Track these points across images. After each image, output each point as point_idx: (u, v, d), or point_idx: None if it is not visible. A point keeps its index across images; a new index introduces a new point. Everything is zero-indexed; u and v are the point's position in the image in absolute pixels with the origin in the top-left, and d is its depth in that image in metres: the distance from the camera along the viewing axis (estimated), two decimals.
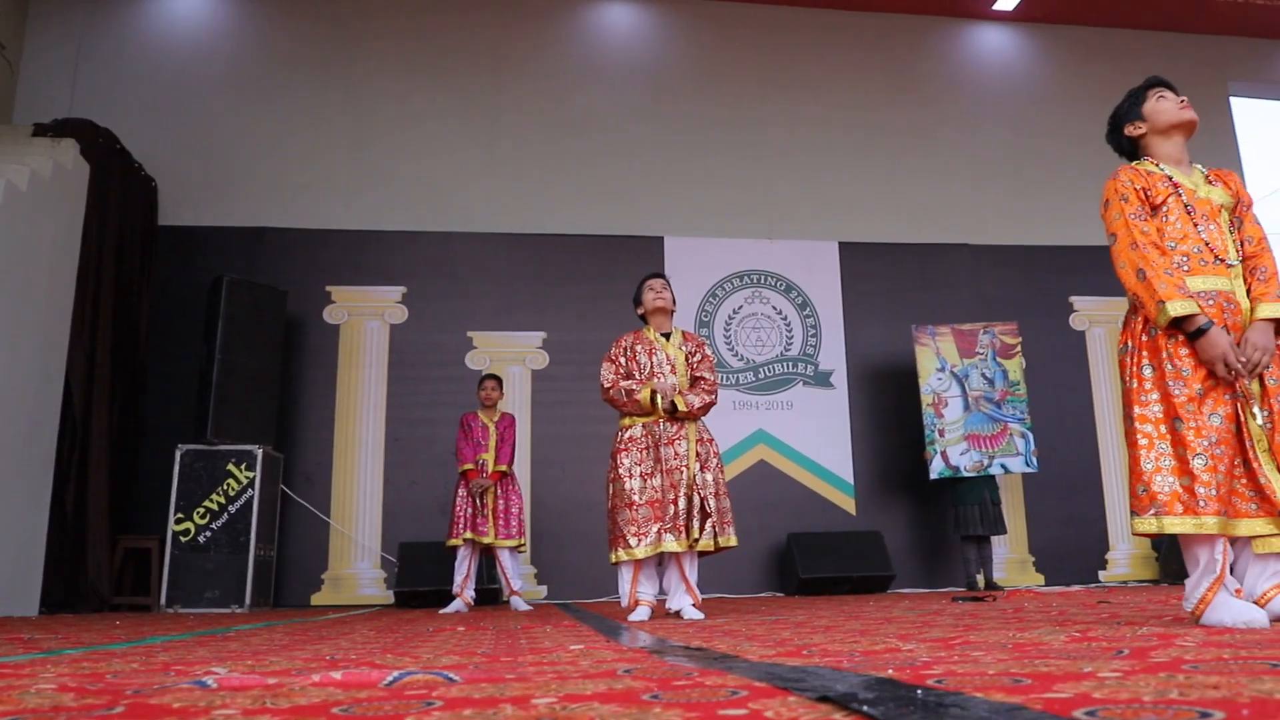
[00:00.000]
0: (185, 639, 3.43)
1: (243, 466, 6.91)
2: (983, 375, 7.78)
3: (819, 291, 8.64)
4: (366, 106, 8.78)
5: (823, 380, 8.43)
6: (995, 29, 10.18)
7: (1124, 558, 8.38)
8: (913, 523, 8.23)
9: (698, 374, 4.49)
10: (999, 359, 7.84)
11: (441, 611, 5.88)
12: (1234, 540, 2.63)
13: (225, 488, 6.85)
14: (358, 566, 7.58)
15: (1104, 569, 8.36)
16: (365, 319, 8.07)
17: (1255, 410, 2.51)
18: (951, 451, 7.53)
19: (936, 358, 7.81)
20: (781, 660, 1.93)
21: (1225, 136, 10.44)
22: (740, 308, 8.51)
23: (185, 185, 8.22)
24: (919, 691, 1.24)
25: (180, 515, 6.76)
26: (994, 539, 7.71)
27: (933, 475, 7.54)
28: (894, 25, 9.85)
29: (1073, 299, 8.96)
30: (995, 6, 9.94)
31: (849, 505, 8.20)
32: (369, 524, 7.65)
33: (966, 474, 7.47)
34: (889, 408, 8.36)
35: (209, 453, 6.91)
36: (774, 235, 8.81)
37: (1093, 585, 7.87)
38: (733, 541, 4.37)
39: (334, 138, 8.67)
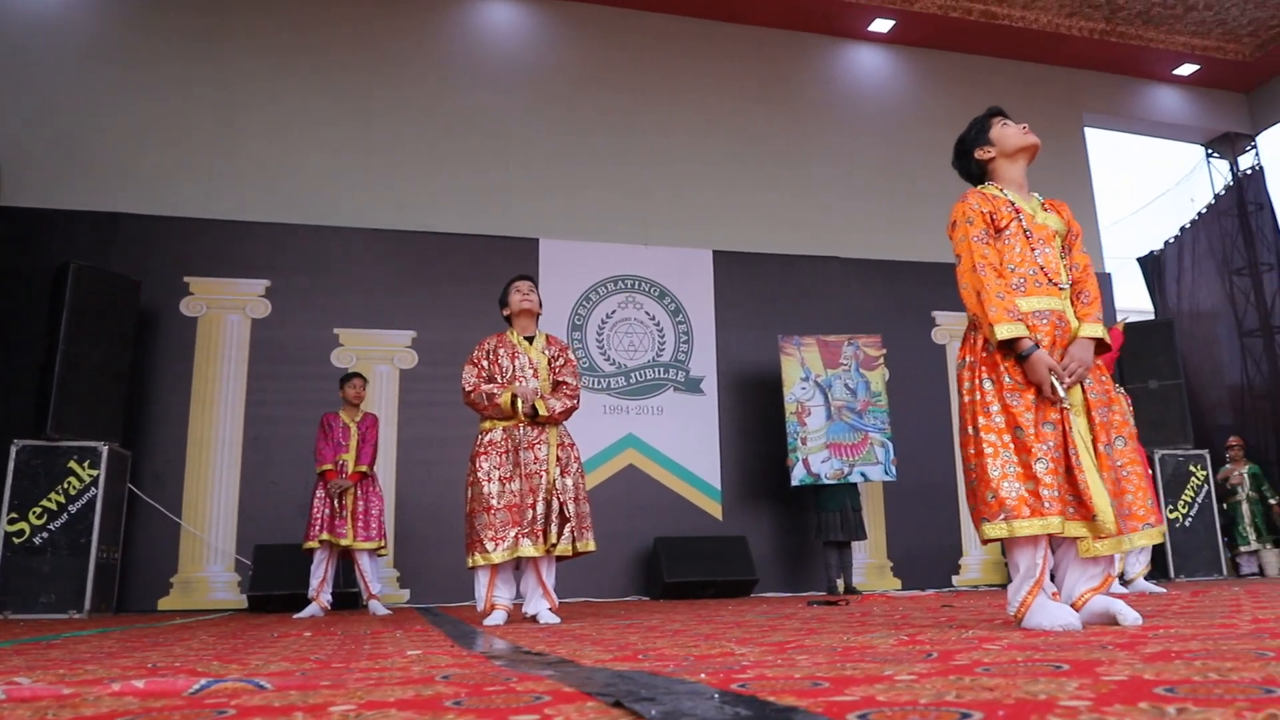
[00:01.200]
0: (3, 647, 3.23)
1: (85, 464, 6.55)
2: (846, 385, 7.99)
3: (692, 298, 8.73)
4: (236, 92, 8.46)
5: (693, 386, 8.52)
6: (870, 50, 10.48)
7: (976, 563, 8.73)
8: (777, 528, 8.39)
9: (560, 379, 4.48)
10: (862, 370, 8.07)
11: (296, 616, 5.71)
12: (1054, 545, 2.77)
13: (65, 486, 6.48)
14: (210, 569, 7.28)
15: (957, 574, 8.69)
16: (225, 312, 7.77)
17: (1071, 415, 2.66)
18: (813, 459, 7.71)
19: (801, 367, 7.99)
20: (613, 665, 1.94)
21: (1079, 165, 10.99)
22: (614, 312, 8.53)
23: (30, 164, 7.75)
24: (716, 696, 1.26)
25: (14, 515, 6.37)
26: (854, 544, 7.93)
27: (794, 482, 7.70)
28: (773, 40, 10.04)
29: (935, 314, 9.28)
30: (870, 28, 10.24)
31: (716, 510, 8.30)
32: (223, 525, 7.35)
33: (827, 482, 7.65)
34: (757, 415, 8.50)
35: (48, 449, 6.53)
36: (649, 241, 8.86)
37: (946, 590, 8.16)
38: (591, 547, 4.38)
39: (200, 123, 8.32)
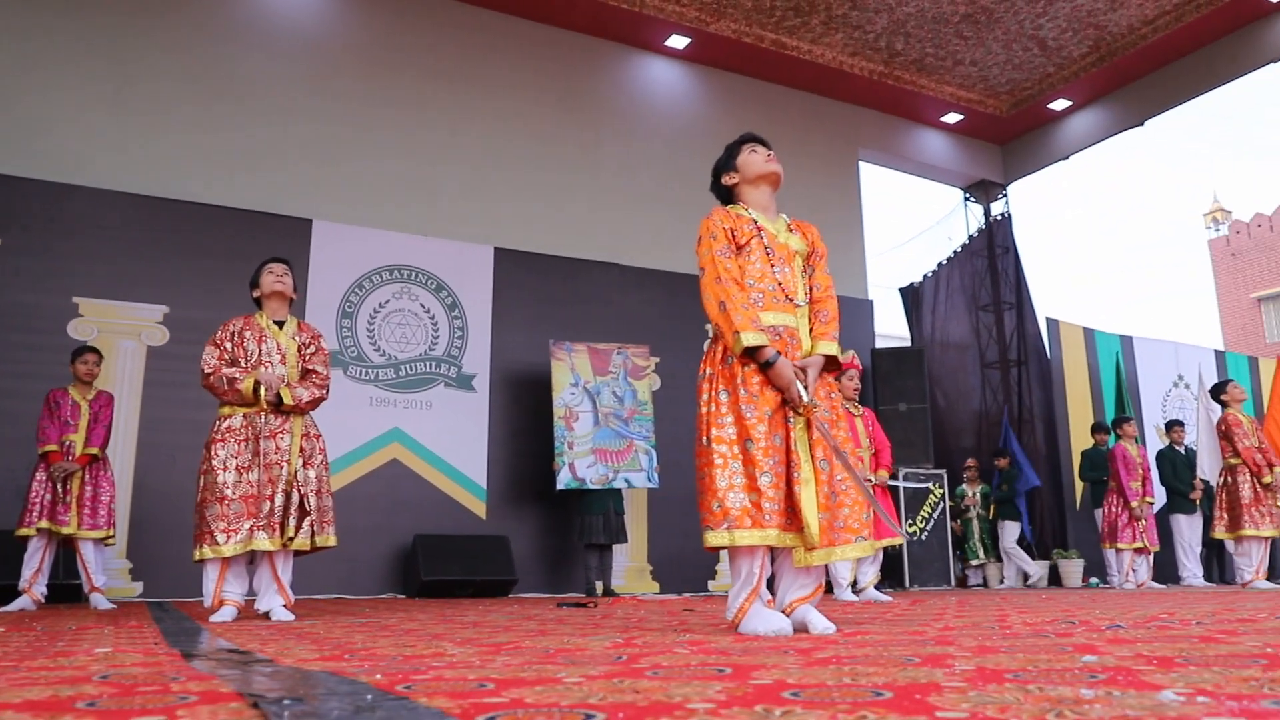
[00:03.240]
0: None
1: None
2: (614, 393, 8.12)
3: (470, 294, 8.60)
4: None
5: (465, 383, 8.40)
6: (665, 64, 10.70)
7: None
8: (542, 529, 8.40)
9: (310, 367, 4.31)
10: (630, 379, 8.23)
11: (1, 610, 5.20)
12: (776, 554, 2.91)
13: None
14: None
15: (714, 579, 8.98)
16: None
17: (794, 433, 2.80)
18: (579, 464, 7.77)
19: (571, 373, 8.05)
20: (311, 664, 1.87)
21: (851, 196, 11.65)
22: (387, 302, 8.28)
23: None
24: (369, 697, 1.22)
25: None
26: (615, 548, 8.06)
27: (559, 486, 7.74)
28: (571, 43, 10.07)
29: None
30: (667, 43, 10.45)
31: (480, 509, 8.21)
32: None
33: (592, 486, 7.74)
34: (527, 416, 8.47)
35: None
36: (429, 232, 8.66)
37: (699, 594, 8.41)
38: (331, 542, 4.24)
39: None
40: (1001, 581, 10.34)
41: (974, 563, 10.54)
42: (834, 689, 1.18)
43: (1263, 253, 24.77)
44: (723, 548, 2.76)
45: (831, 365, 2.99)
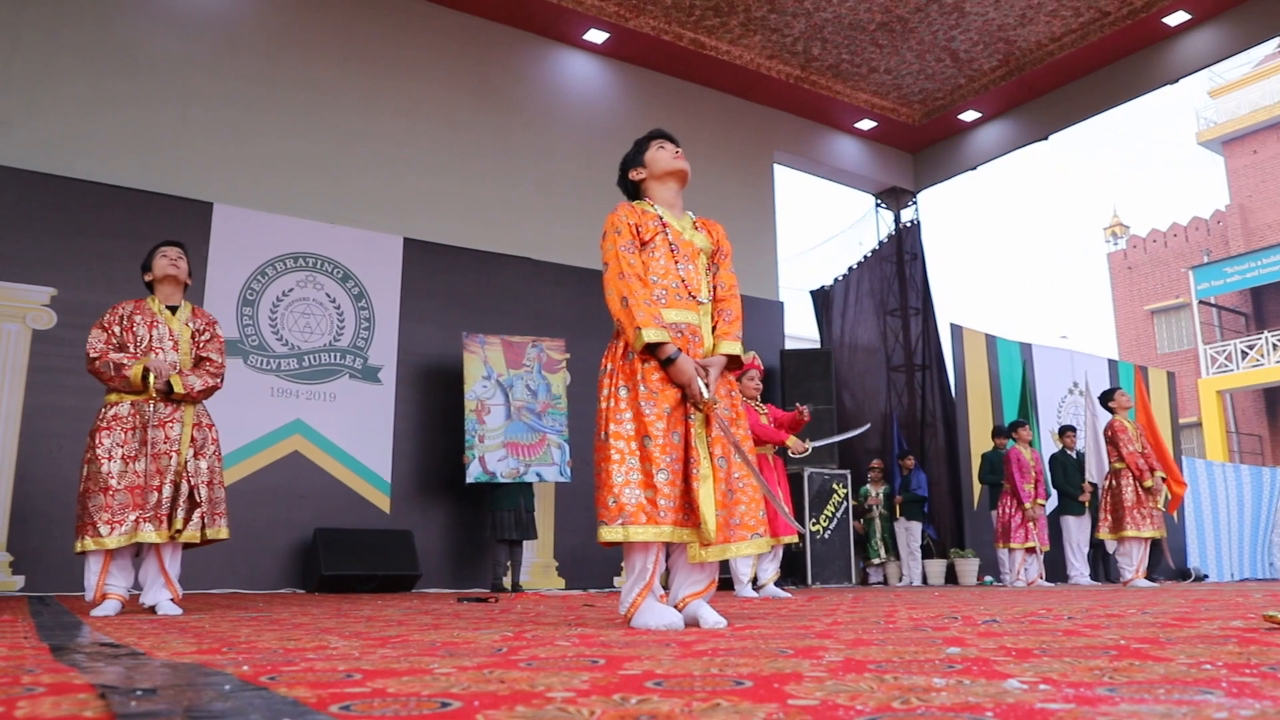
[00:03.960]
0: None
1: None
2: (527, 386, 8.08)
3: (377, 284, 8.45)
4: None
5: (371, 375, 8.26)
6: (584, 58, 10.66)
7: None
8: (449, 524, 8.31)
9: (204, 354, 4.19)
10: (544, 372, 8.19)
11: None
12: (671, 550, 2.92)
13: None
14: None
15: (619, 575, 9.00)
16: None
17: (693, 429, 2.82)
18: (490, 457, 7.72)
19: (484, 366, 7.99)
20: (187, 658, 1.82)
21: (765, 198, 11.77)
22: (291, 290, 8.07)
23: None
24: (227, 687, 1.20)
25: None
26: (525, 543, 8.02)
27: (469, 479, 7.68)
28: (488, 32, 9.95)
29: None
30: (585, 37, 10.41)
31: (384, 503, 8.08)
32: None
33: (503, 480, 7.69)
34: (435, 409, 8.38)
35: None
36: (336, 220, 8.48)
37: (604, 589, 8.43)
38: (223, 534, 4.13)
39: None
40: (901, 579, 10.59)
41: (875, 561, 10.78)
42: (698, 679, 1.19)
43: (1156, 267, 25.79)
44: (617, 543, 2.76)
45: (733, 364, 3.02)
